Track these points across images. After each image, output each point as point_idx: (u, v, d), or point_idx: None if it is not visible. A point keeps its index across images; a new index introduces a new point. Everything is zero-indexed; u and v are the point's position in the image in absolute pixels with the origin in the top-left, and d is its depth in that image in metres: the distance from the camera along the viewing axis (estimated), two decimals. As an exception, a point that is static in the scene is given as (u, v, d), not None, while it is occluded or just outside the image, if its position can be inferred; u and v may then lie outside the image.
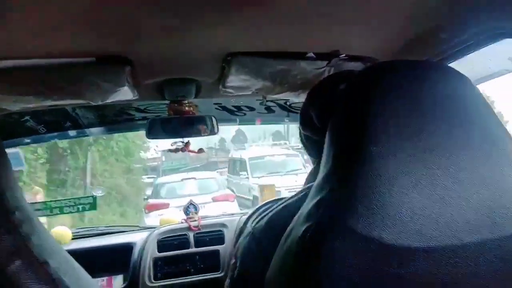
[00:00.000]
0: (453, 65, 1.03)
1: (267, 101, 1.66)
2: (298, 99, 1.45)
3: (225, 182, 9.69)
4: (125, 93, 1.27)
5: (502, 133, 0.49)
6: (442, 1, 0.89)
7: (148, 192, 10.50)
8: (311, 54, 1.21)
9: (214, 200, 7.70)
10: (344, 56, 1.22)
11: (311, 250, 0.47)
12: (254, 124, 1.98)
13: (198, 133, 1.53)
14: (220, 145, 22.84)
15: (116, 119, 1.76)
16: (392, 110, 0.48)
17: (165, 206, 7.53)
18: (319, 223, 0.47)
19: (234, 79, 1.28)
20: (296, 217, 0.54)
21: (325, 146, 0.53)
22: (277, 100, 1.67)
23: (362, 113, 0.49)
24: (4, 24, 0.86)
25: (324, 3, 0.91)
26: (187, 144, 1.55)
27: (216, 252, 1.90)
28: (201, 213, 2.09)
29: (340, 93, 0.57)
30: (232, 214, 2.25)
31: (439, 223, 0.44)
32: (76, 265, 0.75)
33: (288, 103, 1.71)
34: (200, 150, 1.73)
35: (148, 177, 15.49)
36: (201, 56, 1.19)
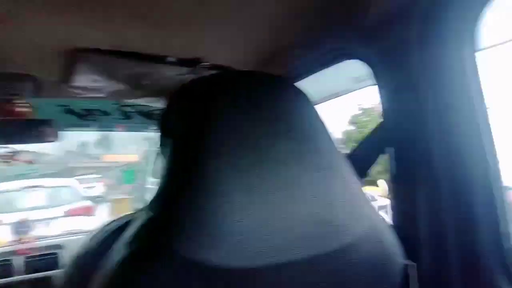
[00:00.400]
0: (305, 81, 1.09)
1: (122, 106, 1.52)
2: (158, 105, 1.36)
3: (82, 192, 7.77)
4: None
5: (332, 149, 0.51)
6: (293, 19, 0.93)
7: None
8: (172, 59, 1.14)
9: (68, 214, 6.27)
10: (207, 64, 1.18)
11: (130, 277, 0.42)
12: (111, 130, 1.80)
13: (34, 139, 1.29)
14: (81, 149, 20.73)
15: None
16: (228, 125, 0.46)
17: (-7, 223, 5.41)
18: (141, 247, 0.43)
19: (83, 79, 1.12)
20: (120, 240, 0.48)
21: (164, 161, 0.50)
22: (136, 105, 1.54)
23: (198, 127, 0.47)
24: None
25: (182, 7, 0.86)
26: (14, 154, 1.30)
27: (48, 279, 1.65)
28: (52, 230, 1.79)
29: (185, 103, 0.54)
30: (74, 234, 1.98)
31: (270, 241, 0.43)
32: None
33: (147, 109, 1.60)
34: (29, 162, 1.48)
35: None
36: (39, 50, 1.01)
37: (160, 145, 0.76)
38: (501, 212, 0.70)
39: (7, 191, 6.83)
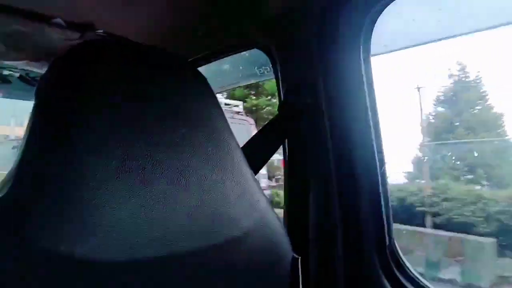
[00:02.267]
0: (209, 65, 1.05)
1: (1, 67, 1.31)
2: (42, 70, 1.20)
3: None
4: None
5: (228, 137, 0.48)
6: (198, 2, 0.87)
7: None
8: (59, 20, 1.01)
9: None
10: (101, 32, 1.06)
11: None
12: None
13: None
14: None
15: None
16: (107, 99, 0.41)
17: None
18: None
19: None
20: None
21: (26, 131, 0.43)
22: (15, 68, 1.34)
23: (71, 99, 0.41)
24: None
25: None
26: None
27: None
28: None
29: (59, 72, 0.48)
30: None
31: (149, 234, 0.39)
32: None
33: (30, 74, 1.41)
34: None
35: None
36: None
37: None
38: (385, 212, 0.75)
39: None
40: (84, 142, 0.38)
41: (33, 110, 0.49)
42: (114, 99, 0.42)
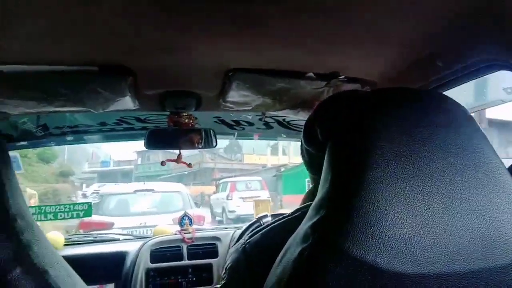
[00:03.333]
0: (449, 92, 1.06)
1: (266, 117, 1.68)
2: (297, 116, 1.47)
3: (190, 198, 6.95)
4: (126, 103, 1.29)
5: (496, 163, 0.50)
6: (440, 29, 0.91)
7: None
8: (311, 74, 1.24)
9: (177, 222, 4.35)
10: (343, 77, 1.24)
11: (306, 272, 0.48)
12: (251, 139, 1.99)
13: (196, 145, 1.54)
14: (214, 151, 21.59)
15: (115, 128, 1.77)
16: (390, 137, 0.49)
17: (107, 225, 5.16)
18: (315, 245, 0.48)
19: (235, 95, 1.30)
20: (292, 237, 0.55)
21: (324, 167, 0.54)
22: (276, 116, 1.69)
23: (361, 138, 0.50)
24: (8, 30, 0.88)
25: (324, 27, 0.94)
26: (179, 156, 1.55)
27: (209, 266, 1.90)
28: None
29: (341, 115, 0.57)
30: (226, 228, 2.25)
31: (432, 251, 0.44)
32: (73, 273, 0.75)
33: (286, 119, 1.73)
34: (190, 165, 1.75)
35: (116, 185, 11.97)
36: (203, 71, 1.21)
37: (303, 148, 0.82)
38: None
39: (119, 193, 6.92)
40: (370, 173, 0.47)
41: (329, 148, 0.57)
42: (387, 137, 0.49)
